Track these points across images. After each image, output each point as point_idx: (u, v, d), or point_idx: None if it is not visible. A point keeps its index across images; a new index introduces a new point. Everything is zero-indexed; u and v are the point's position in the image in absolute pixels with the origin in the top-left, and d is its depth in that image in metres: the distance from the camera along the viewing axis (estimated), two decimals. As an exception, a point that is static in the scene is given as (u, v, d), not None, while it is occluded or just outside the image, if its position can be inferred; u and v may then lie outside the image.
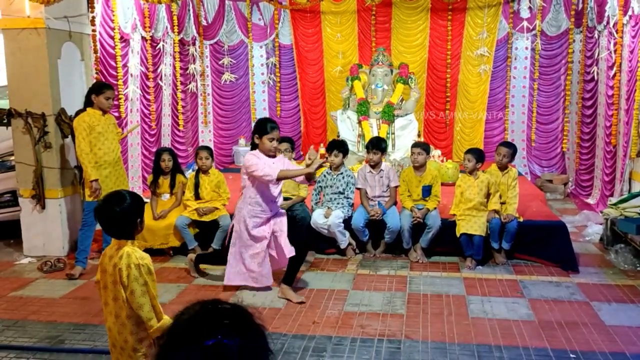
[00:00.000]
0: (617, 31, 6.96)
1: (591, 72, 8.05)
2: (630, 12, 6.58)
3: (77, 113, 5.62)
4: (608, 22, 7.29)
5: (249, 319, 1.18)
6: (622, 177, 6.70)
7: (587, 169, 8.32)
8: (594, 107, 8.11)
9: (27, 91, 5.85)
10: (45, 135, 5.88)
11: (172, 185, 6.00)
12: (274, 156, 4.66)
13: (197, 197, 5.88)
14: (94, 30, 6.45)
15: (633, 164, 6.53)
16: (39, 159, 5.89)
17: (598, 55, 7.81)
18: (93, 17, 6.40)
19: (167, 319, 2.66)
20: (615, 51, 7.06)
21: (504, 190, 5.62)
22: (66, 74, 6.06)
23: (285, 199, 5.82)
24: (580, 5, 8.39)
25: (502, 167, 5.70)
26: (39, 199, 5.94)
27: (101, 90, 5.39)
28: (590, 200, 7.86)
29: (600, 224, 6.33)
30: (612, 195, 7.08)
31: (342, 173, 5.86)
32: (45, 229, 6.01)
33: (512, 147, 5.74)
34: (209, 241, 5.83)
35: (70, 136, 6.05)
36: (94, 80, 6.52)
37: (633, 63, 6.51)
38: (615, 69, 7.02)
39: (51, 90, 5.85)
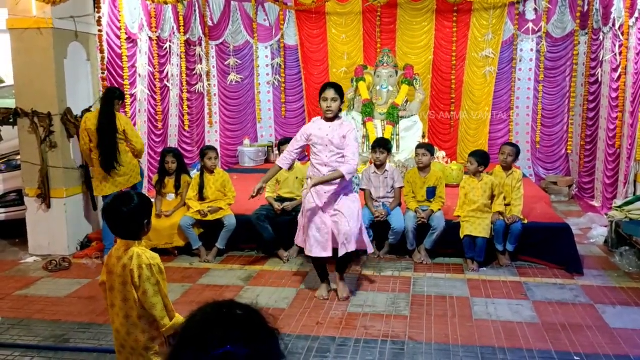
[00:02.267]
0: (622, 33, 6.94)
1: (595, 74, 8.04)
2: (636, 15, 6.55)
3: (111, 113, 5.66)
4: (614, 24, 7.26)
5: (261, 325, 1.16)
6: (627, 180, 6.68)
7: (589, 172, 8.31)
8: (596, 110, 8.10)
9: (33, 91, 5.89)
10: (51, 135, 5.91)
11: (177, 186, 6.02)
12: (331, 119, 4.64)
13: (201, 197, 5.90)
14: (100, 31, 6.48)
15: (638, 166, 6.50)
16: (44, 159, 5.92)
17: (602, 57, 7.79)
18: (99, 17, 6.43)
19: (179, 318, 2.66)
20: (620, 53, 7.04)
21: (508, 191, 5.61)
22: (72, 74, 6.09)
23: (290, 199, 5.84)
24: (586, 7, 8.37)
25: (507, 168, 5.69)
26: (45, 198, 5.97)
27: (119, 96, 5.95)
28: (595, 203, 7.85)
29: (605, 227, 6.31)
30: (614, 198, 7.06)
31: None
32: (51, 228, 6.04)
33: (515, 147, 5.77)
34: (213, 241, 5.84)
35: (75, 136, 6.09)
36: (101, 81, 6.57)
37: (639, 65, 6.48)
38: (620, 71, 6.99)
39: (57, 90, 5.88)
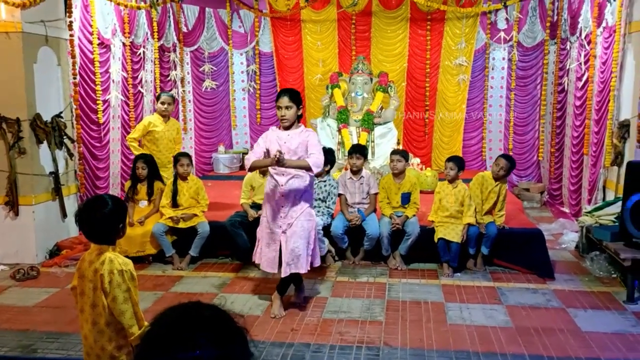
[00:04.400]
0: (589, 42, 7.09)
1: (562, 83, 8.21)
2: (604, 24, 6.71)
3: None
4: (580, 34, 7.43)
5: (228, 325, 1.13)
6: (595, 186, 6.80)
7: (557, 178, 8.49)
8: (563, 118, 8.29)
9: (2, 96, 5.75)
10: (20, 141, 5.78)
11: (149, 192, 5.93)
12: (288, 127, 4.38)
13: (175, 204, 5.82)
14: (71, 35, 6.38)
15: (607, 172, 6.64)
16: (12, 165, 5.78)
17: (568, 66, 7.96)
18: (70, 22, 6.32)
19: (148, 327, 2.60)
20: (585, 62, 7.20)
21: (493, 197, 5.62)
22: (42, 79, 5.97)
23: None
24: (555, 17, 8.55)
25: (497, 178, 5.67)
26: (13, 205, 5.83)
27: (157, 97, 6.51)
28: (566, 209, 7.99)
29: (576, 232, 6.41)
30: (578, 204, 7.18)
31: (325, 181, 5.83)
32: (19, 236, 5.89)
33: (510, 161, 5.64)
34: (186, 248, 5.77)
35: (45, 142, 5.97)
36: (72, 86, 6.47)
37: (605, 74, 6.62)
38: (586, 78, 7.12)
39: (26, 95, 5.76)
